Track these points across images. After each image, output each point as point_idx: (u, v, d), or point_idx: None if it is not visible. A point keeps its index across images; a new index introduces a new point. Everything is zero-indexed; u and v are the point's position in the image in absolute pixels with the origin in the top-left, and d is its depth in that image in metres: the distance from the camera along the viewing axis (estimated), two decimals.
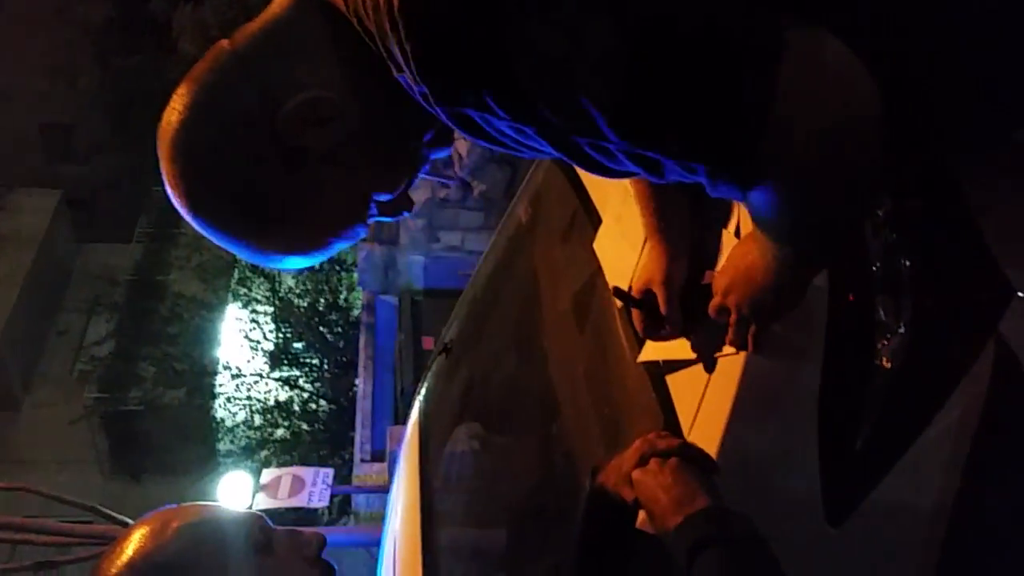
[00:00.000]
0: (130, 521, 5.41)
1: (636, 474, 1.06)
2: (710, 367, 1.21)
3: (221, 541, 0.96)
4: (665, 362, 1.31)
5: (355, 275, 10.02)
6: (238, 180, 0.89)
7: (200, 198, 0.91)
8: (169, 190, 0.91)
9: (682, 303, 1.23)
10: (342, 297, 11.56)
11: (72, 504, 5.68)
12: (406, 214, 1.01)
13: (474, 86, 0.79)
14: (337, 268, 11.53)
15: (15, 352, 13.04)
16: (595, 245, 1.64)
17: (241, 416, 11.42)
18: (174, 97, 0.90)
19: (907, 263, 1.09)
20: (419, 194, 8.16)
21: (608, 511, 1.15)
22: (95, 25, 13.16)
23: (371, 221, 0.99)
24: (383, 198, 0.96)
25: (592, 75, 0.77)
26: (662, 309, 1.21)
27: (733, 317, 1.10)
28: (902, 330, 1.08)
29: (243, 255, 0.98)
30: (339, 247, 0.99)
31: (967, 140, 1.12)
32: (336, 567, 1.02)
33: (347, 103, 0.89)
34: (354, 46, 0.88)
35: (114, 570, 0.92)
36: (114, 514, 5.61)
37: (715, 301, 1.11)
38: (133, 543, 0.93)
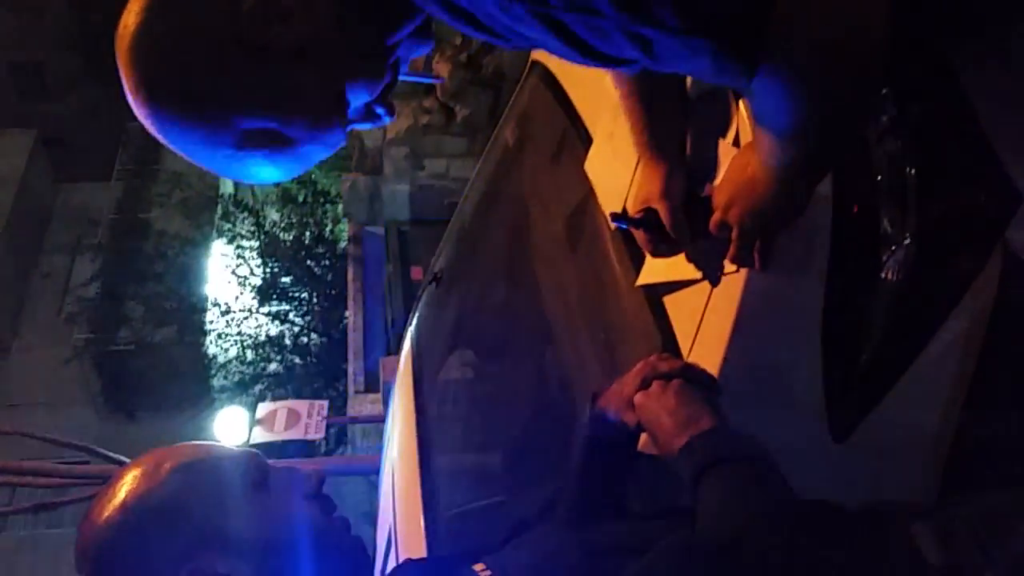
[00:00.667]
0: (126, 460, 5.44)
1: (638, 397, 1.04)
2: (715, 282, 1.17)
3: (216, 480, 0.93)
4: (663, 284, 1.28)
5: (340, 207, 9.93)
6: (203, 84, 0.83)
7: (164, 106, 0.84)
8: (130, 98, 0.85)
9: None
10: (327, 229, 11.47)
11: (68, 446, 5.70)
12: (387, 118, 0.94)
13: None
14: (321, 200, 11.42)
15: (1, 296, 12.97)
16: (586, 165, 1.59)
17: (233, 352, 11.42)
18: (131, 0, 0.83)
19: (912, 172, 1.06)
20: (401, 122, 8.02)
21: (609, 435, 1.13)
22: None
23: (352, 127, 0.93)
24: (360, 98, 0.90)
25: None
26: (666, 224, 1.16)
27: (735, 232, 1.06)
28: (907, 241, 1.05)
29: (218, 169, 0.91)
30: (317, 156, 0.92)
31: (968, 30, 1.07)
32: (335, 501, 1.01)
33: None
34: None
35: (107, 512, 0.89)
36: (110, 453, 5.63)
37: (715, 216, 1.07)
38: (126, 484, 0.91)
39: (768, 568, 0.86)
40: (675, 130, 1.20)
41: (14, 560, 10.99)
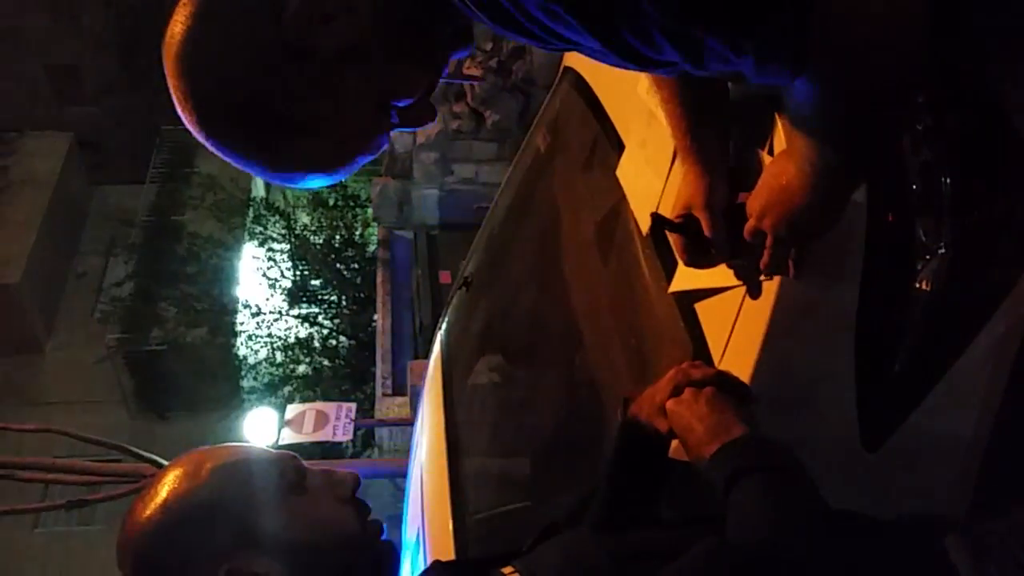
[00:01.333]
0: (158, 459, 5.51)
1: (670, 404, 1.04)
2: (749, 290, 1.17)
3: (255, 481, 0.95)
4: (695, 290, 1.28)
5: (369, 211, 9.98)
6: (248, 90, 0.84)
7: (210, 113, 0.86)
8: (178, 108, 0.87)
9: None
10: (357, 233, 11.54)
11: (101, 444, 5.76)
12: (429, 124, 0.95)
13: None
14: (351, 204, 11.49)
15: (36, 295, 13.14)
16: (618, 172, 1.60)
17: (263, 353, 11.52)
18: (177, 9, 0.85)
19: (947, 181, 1.06)
20: (431, 126, 8.07)
21: (640, 442, 1.14)
22: None
23: (394, 132, 0.94)
24: (403, 103, 0.91)
25: None
26: (707, 232, 1.15)
27: (769, 240, 1.06)
28: (942, 251, 1.04)
29: (262, 175, 0.92)
30: (361, 162, 0.93)
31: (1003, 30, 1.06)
32: (370, 505, 1.02)
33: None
34: None
35: (148, 512, 0.91)
36: (142, 452, 5.69)
37: (750, 224, 1.07)
38: (167, 485, 0.93)
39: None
40: (719, 136, 1.20)
41: (47, 556, 11.13)
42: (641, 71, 0.96)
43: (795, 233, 1.04)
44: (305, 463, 1.01)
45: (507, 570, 1.01)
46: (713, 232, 1.14)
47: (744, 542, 0.92)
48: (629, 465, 1.17)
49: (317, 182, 0.93)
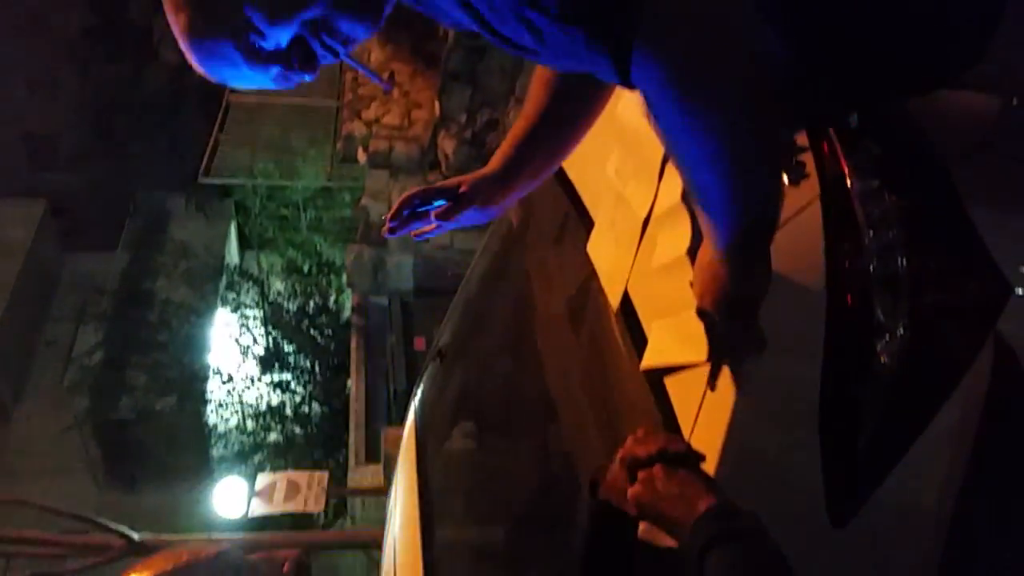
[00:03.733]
0: (127, 531, 5.40)
1: (631, 492, 1.05)
2: (712, 381, 1.19)
3: None
4: (665, 367, 1.31)
5: (344, 277, 9.99)
6: None
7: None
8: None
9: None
10: (332, 300, 11.51)
11: (67, 515, 5.66)
12: (306, 76, 1.04)
13: None
14: (326, 270, 11.49)
15: (4, 363, 12.96)
16: (589, 248, 1.64)
17: (233, 421, 11.35)
18: None
19: (904, 261, 1.10)
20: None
21: (611, 524, 1.15)
22: (73, 33, 13.07)
23: (263, 70, 1.02)
24: (266, 29, 0.99)
25: None
26: None
27: (718, 319, 1.09)
28: (901, 331, 1.08)
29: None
30: (221, 66, 1.03)
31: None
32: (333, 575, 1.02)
33: None
34: None
35: None
36: (110, 524, 5.58)
37: (697, 307, 1.10)
38: None
39: None
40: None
41: None
42: (519, 55, 1.01)
43: (733, 307, 1.06)
44: (246, 552, 1.01)
45: None
46: None
47: None
48: (601, 547, 1.18)
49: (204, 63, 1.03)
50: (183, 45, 1.03)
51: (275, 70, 1.04)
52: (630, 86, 0.89)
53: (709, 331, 1.13)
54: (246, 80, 1.05)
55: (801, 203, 1.15)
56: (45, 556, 5.88)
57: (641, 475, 1.05)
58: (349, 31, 1.03)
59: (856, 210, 1.12)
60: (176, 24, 1.02)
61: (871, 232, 1.12)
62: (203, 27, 1.01)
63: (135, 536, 5.52)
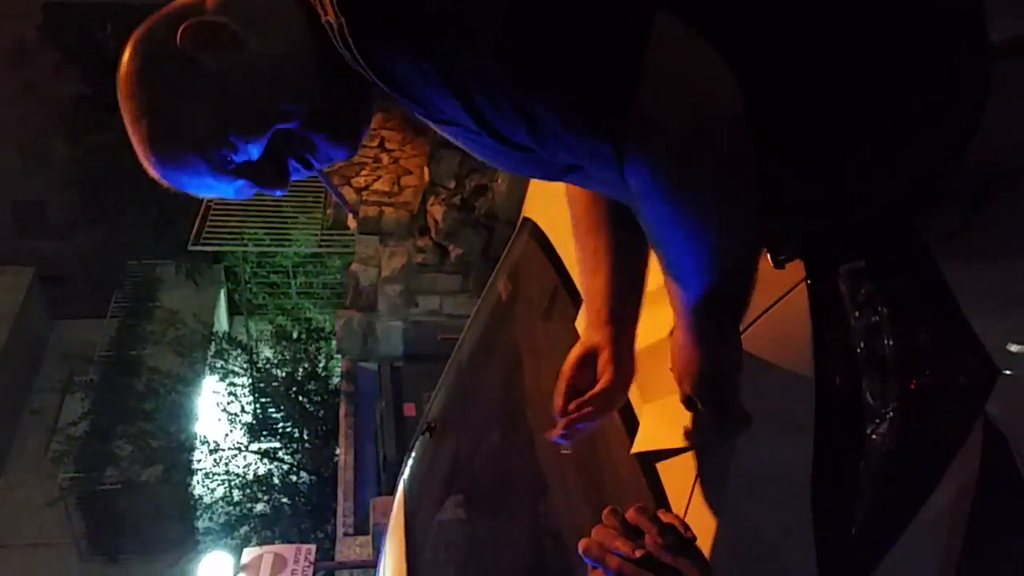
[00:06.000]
0: None
1: (619, 562, 1.03)
2: (702, 465, 1.18)
3: None
4: (657, 451, 1.30)
5: (333, 343, 9.95)
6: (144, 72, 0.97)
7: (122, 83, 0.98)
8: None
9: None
10: (321, 366, 11.46)
11: None
12: (276, 191, 1.02)
13: (389, 21, 0.85)
14: (315, 336, 11.45)
15: None
16: (578, 323, 1.63)
17: (220, 492, 11.17)
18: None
19: (890, 344, 1.10)
20: (396, 260, 8.18)
21: None
22: (65, 103, 13.20)
23: (229, 182, 1.00)
24: (238, 143, 0.97)
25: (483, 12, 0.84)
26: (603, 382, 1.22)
27: (699, 404, 1.08)
28: (890, 414, 1.07)
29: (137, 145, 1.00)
30: (183, 177, 1.00)
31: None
32: None
33: (248, 37, 0.95)
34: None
35: None
36: None
37: (679, 394, 1.10)
38: None
39: None
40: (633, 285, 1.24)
41: None
42: (516, 169, 1.03)
43: (711, 388, 1.05)
44: None
45: None
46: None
47: None
48: None
49: (165, 173, 1.01)
50: (141, 155, 1.00)
51: (241, 183, 1.01)
52: (624, 175, 0.91)
53: (694, 416, 1.12)
54: (207, 190, 1.02)
55: (787, 285, 1.15)
56: None
57: (629, 570, 1.02)
58: (325, 151, 1.02)
59: (842, 291, 1.13)
60: (135, 133, 0.99)
61: (856, 313, 1.13)
62: (166, 139, 0.98)
63: None
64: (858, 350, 1.11)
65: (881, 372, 1.09)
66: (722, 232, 0.94)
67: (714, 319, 1.01)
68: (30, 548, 11.33)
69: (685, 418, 1.17)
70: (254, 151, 0.98)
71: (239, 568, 6.25)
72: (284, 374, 11.31)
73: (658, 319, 1.32)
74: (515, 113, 0.88)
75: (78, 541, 12.22)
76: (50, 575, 5.58)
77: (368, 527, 7.08)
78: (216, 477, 11.15)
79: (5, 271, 14.32)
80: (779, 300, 1.14)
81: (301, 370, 11.33)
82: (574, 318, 1.66)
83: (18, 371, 13.84)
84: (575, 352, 1.26)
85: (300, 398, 11.19)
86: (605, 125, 0.87)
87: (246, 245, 10.38)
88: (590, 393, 1.20)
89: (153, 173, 1.01)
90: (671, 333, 1.09)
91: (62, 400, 13.39)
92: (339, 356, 9.60)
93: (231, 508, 11.11)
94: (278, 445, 11.31)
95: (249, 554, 6.41)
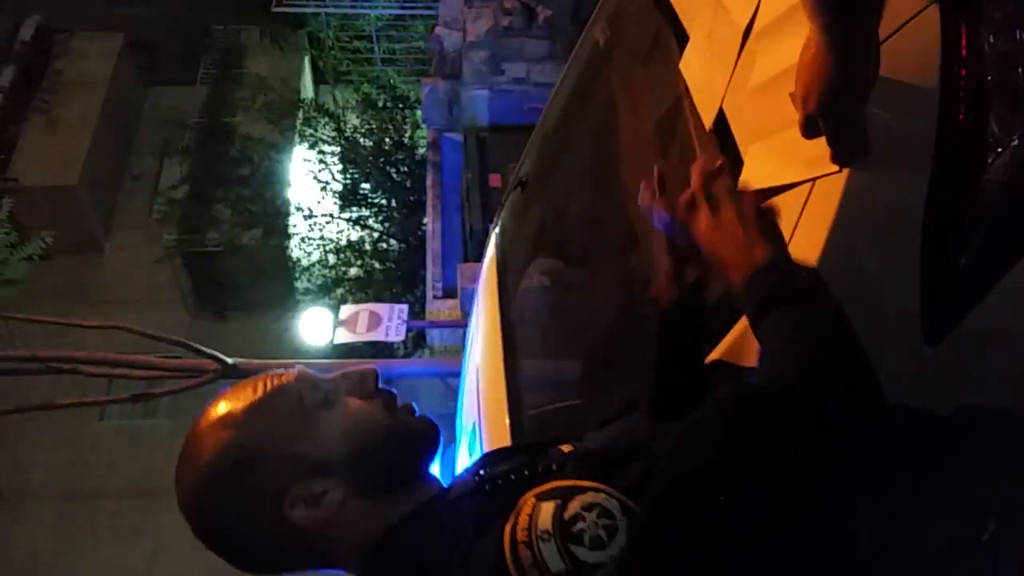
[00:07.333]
0: (220, 355, 5.67)
1: (699, 232, 1.05)
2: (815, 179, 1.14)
3: (276, 416, 0.98)
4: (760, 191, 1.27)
5: (419, 112, 9.90)
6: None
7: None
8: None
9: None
10: (407, 135, 11.48)
11: (163, 340, 5.95)
12: None
13: None
14: (400, 105, 11.41)
15: (94, 197, 13.35)
16: (682, 65, 1.57)
17: (316, 255, 11.65)
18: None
19: None
20: (481, 23, 7.90)
21: (680, 334, 1.17)
22: None
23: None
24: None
25: None
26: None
27: (823, 125, 1.01)
28: (1015, 143, 1.02)
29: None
30: None
31: None
32: (396, 392, 1.05)
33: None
34: None
35: (196, 479, 0.97)
36: (203, 348, 5.87)
37: (799, 118, 1.03)
38: (203, 449, 0.97)
39: (824, 418, 0.86)
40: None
41: (113, 447, 11.64)
42: None
43: (840, 104, 0.99)
44: (317, 373, 1.04)
45: (565, 447, 1.05)
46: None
47: (764, 384, 0.93)
48: (670, 361, 1.20)
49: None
50: None
51: None
52: None
53: (807, 148, 1.08)
54: None
55: (916, 6, 1.07)
56: (143, 378, 6.24)
57: (704, 212, 1.04)
58: None
59: (976, 13, 1.04)
60: None
61: (991, 38, 1.05)
62: None
63: (228, 360, 5.79)
64: (988, 78, 1.05)
65: (1011, 100, 1.03)
66: None
67: (853, 20, 0.94)
68: (141, 305, 12.05)
69: (796, 151, 1.13)
70: None
71: (338, 323, 6.61)
72: (371, 143, 11.39)
73: (771, 52, 1.26)
74: None
75: (186, 298, 13.00)
76: (162, 329, 5.98)
77: (456, 291, 7.35)
78: (311, 242, 11.59)
79: (95, 36, 14.38)
80: (908, 21, 1.06)
81: (388, 139, 11.39)
82: (678, 61, 1.59)
83: (116, 137, 14.21)
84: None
85: (388, 167, 11.33)
86: None
87: (327, 6, 10.15)
88: None
89: None
90: (802, 50, 1.02)
91: (160, 165, 13.83)
92: (425, 126, 9.58)
93: (327, 271, 11.62)
94: (368, 213, 11.60)
95: (347, 311, 6.76)
